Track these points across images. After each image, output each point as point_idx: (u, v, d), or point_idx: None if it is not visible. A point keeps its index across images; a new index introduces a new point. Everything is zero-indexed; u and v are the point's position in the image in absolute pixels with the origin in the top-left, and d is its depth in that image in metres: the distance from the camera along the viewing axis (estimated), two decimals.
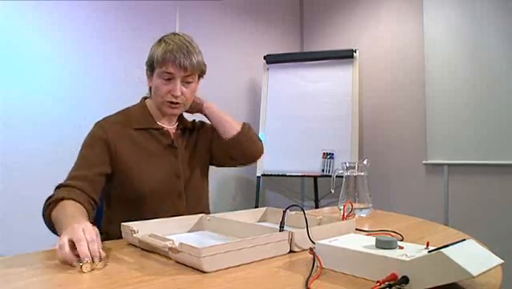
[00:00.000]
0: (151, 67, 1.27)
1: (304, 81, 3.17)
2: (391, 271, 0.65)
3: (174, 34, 1.29)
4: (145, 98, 1.39)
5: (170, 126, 1.36)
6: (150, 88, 1.33)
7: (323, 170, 2.97)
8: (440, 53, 2.84)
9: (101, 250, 0.83)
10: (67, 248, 0.81)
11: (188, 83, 1.27)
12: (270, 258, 0.86)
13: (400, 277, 0.64)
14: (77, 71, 2.34)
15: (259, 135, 3.13)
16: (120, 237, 1.02)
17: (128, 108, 1.36)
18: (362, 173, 1.51)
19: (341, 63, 3.12)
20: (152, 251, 0.92)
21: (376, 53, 3.27)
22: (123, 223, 1.01)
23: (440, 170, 2.87)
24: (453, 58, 2.78)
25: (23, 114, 2.14)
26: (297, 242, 0.91)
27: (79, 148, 1.25)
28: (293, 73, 3.20)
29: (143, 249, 0.94)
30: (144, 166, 1.26)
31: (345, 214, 1.29)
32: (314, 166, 2.99)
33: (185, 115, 1.43)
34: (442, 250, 0.62)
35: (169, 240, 0.83)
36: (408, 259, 0.65)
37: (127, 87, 2.44)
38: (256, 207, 2.69)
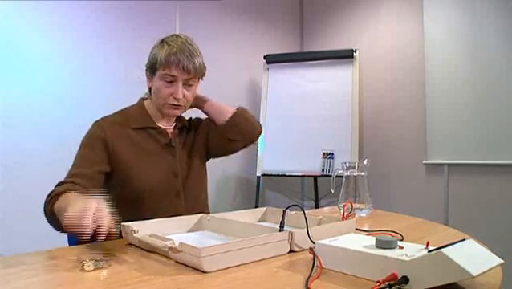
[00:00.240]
0: (152, 68, 1.27)
1: (304, 81, 3.17)
2: (391, 271, 0.65)
3: (175, 35, 1.30)
4: (143, 99, 1.39)
5: (168, 126, 1.37)
6: (149, 89, 1.33)
7: (322, 170, 2.97)
8: (440, 53, 2.84)
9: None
10: (85, 212, 0.80)
11: (190, 85, 1.29)
12: (270, 257, 0.86)
13: (400, 277, 0.64)
14: (77, 71, 2.34)
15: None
16: (120, 237, 1.02)
17: (126, 108, 1.36)
18: (362, 173, 1.51)
19: (341, 63, 3.12)
20: (152, 251, 0.91)
21: (376, 53, 3.27)
22: (123, 223, 1.01)
23: (440, 170, 2.87)
24: (453, 58, 2.78)
25: (23, 114, 2.14)
26: (297, 241, 0.91)
27: (78, 148, 1.25)
28: (293, 73, 3.20)
29: (143, 249, 0.94)
30: (142, 165, 1.26)
31: (345, 214, 1.29)
32: (314, 166, 2.99)
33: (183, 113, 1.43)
34: (442, 249, 0.62)
35: (169, 240, 0.83)
36: (408, 259, 0.65)
37: (127, 87, 2.44)
38: (256, 207, 2.69)
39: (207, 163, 1.48)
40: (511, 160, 2.55)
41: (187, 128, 1.43)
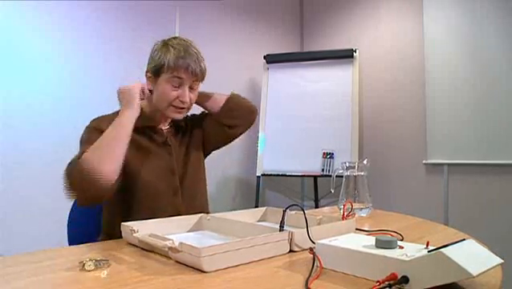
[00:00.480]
0: (157, 71, 1.27)
1: (304, 81, 3.17)
2: (391, 271, 0.65)
3: (177, 38, 1.30)
4: None
5: (164, 125, 1.38)
6: (150, 91, 1.33)
7: (322, 170, 2.97)
8: (440, 53, 2.84)
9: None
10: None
11: (194, 88, 1.31)
12: (270, 257, 0.86)
13: (399, 277, 0.64)
14: (77, 71, 2.34)
15: (259, 134, 3.13)
16: (120, 236, 1.02)
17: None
18: (362, 173, 1.51)
19: (341, 63, 3.12)
20: (151, 251, 0.92)
21: (376, 53, 3.27)
22: (123, 223, 1.02)
23: (440, 170, 2.87)
24: (453, 58, 2.78)
25: (23, 114, 2.14)
26: (297, 241, 0.91)
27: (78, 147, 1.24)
28: (293, 73, 3.20)
29: (143, 249, 0.94)
30: (139, 163, 1.27)
31: (345, 214, 1.29)
32: (314, 166, 2.99)
33: None
34: (442, 249, 0.62)
35: (169, 240, 0.83)
36: (407, 259, 0.65)
37: None
38: (256, 207, 2.69)
39: (207, 163, 1.49)
40: (511, 160, 2.55)
41: (182, 127, 1.43)
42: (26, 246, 1.31)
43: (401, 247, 0.73)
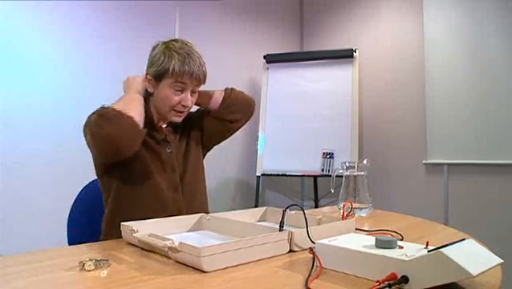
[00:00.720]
0: (160, 76, 1.27)
1: (304, 81, 3.17)
2: (390, 271, 0.65)
3: (179, 42, 1.30)
4: None
5: (162, 124, 1.39)
6: (150, 93, 1.34)
7: (322, 170, 2.97)
8: (440, 53, 2.84)
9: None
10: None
11: (195, 92, 1.33)
12: (270, 257, 0.86)
13: (399, 276, 0.64)
14: (77, 71, 2.34)
15: (259, 134, 3.13)
16: (120, 236, 1.02)
17: None
18: (362, 173, 1.51)
19: (341, 63, 3.12)
20: (151, 251, 0.92)
21: (376, 53, 3.27)
22: (122, 223, 1.02)
23: (440, 170, 2.87)
24: (453, 58, 2.78)
25: (23, 114, 2.14)
26: (297, 241, 0.91)
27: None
28: (293, 73, 3.20)
29: (143, 248, 0.94)
30: (140, 159, 1.27)
31: (345, 214, 1.29)
32: (313, 166, 2.99)
33: None
34: (442, 249, 0.62)
35: (169, 239, 0.83)
36: (407, 259, 0.65)
37: None
38: (256, 207, 2.69)
39: (206, 163, 1.49)
40: (511, 160, 2.55)
41: (180, 125, 1.43)
42: (26, 246, 1.30)
43: (401, 247, 0.73)
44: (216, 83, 1.46)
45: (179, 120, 1.34)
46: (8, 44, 2.10)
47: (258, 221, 1.27)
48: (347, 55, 3.10)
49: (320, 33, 3.69)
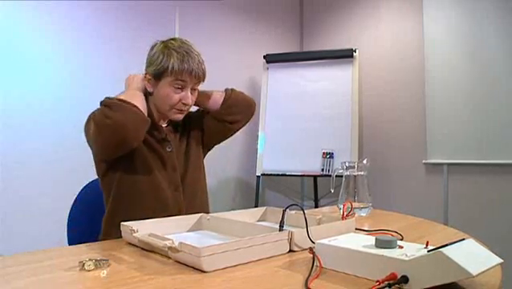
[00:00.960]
0: (159, 75, 1.27)
1: (304, 80, 3.17)
2: (390, 271, 0.65)
3: (177, 40, 1.31)
4: None
5: (162, 123, 1.39)
6: (149, 92, 1.34)
7: (322, 170, 2.97)
8: (440, 53, 2.84)
9: None
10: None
11: (194, 90, 1.33)
12: (270, 257, 0.86)
13: (399, 276, 0.64)
14: (77, 71, 2.34)
15: (259, 134, 3.13)
16: (120, 236, 1.02)
17: None
18: (362, 173, 1.51)
19: (341, 63, 3.12)
20: (151, 251, 0.92)
21: (376, 52, 3.27)
22: (122, 223, 1.02)
23: (439, 170, 2.87)
24: (453, 58, 2.78)
25: (23, 114, 2.14)
26: (296, 241, 0.91)
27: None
28: (293, 72, 3.20)
29: (142, 248, 0.94)
30: (142, 157, 1.27)
31: (345, 214, 1.29)
32: (313, 166, 2.99)
33: None
34: (442, 249, 0.62)
35: (169, 239, 0.83)
36: (407, 259, 0.65)
37: None
38: (256, 207, 2.69)
39: (206, 163, 1.49)
40: (511, 160, 2.55)
41: (180, 124, 1.43)
42: (26, 246, 1.30)
43: (401, 247, 0.73)
44: (216, 83, 1.46)
45: (180, 117, 1.34)
46: (8, 44, 2.10)
47: (258, 221, 1.27)
48: (347, 55, 3.10)
49: (320, 33, 3.69)
